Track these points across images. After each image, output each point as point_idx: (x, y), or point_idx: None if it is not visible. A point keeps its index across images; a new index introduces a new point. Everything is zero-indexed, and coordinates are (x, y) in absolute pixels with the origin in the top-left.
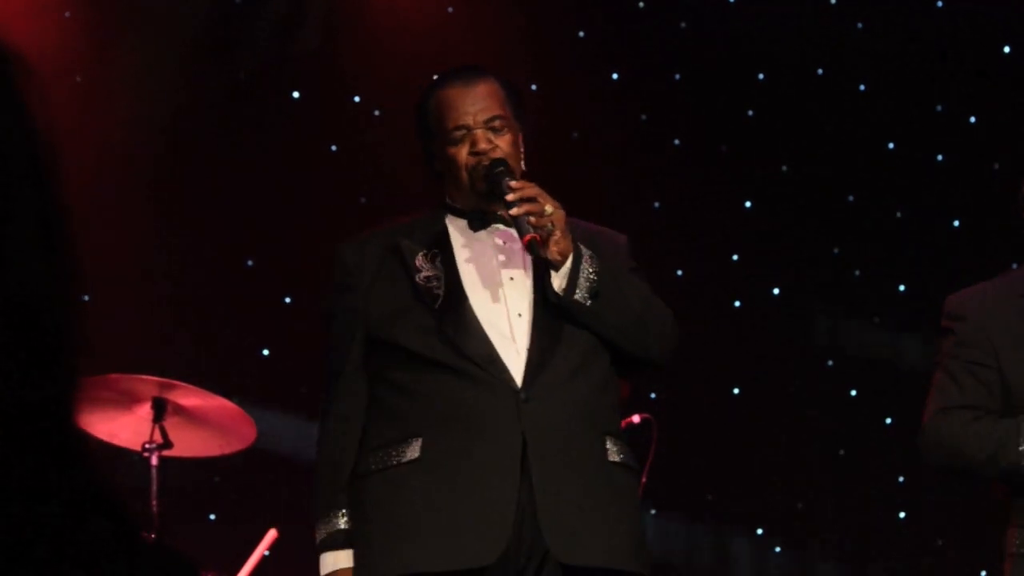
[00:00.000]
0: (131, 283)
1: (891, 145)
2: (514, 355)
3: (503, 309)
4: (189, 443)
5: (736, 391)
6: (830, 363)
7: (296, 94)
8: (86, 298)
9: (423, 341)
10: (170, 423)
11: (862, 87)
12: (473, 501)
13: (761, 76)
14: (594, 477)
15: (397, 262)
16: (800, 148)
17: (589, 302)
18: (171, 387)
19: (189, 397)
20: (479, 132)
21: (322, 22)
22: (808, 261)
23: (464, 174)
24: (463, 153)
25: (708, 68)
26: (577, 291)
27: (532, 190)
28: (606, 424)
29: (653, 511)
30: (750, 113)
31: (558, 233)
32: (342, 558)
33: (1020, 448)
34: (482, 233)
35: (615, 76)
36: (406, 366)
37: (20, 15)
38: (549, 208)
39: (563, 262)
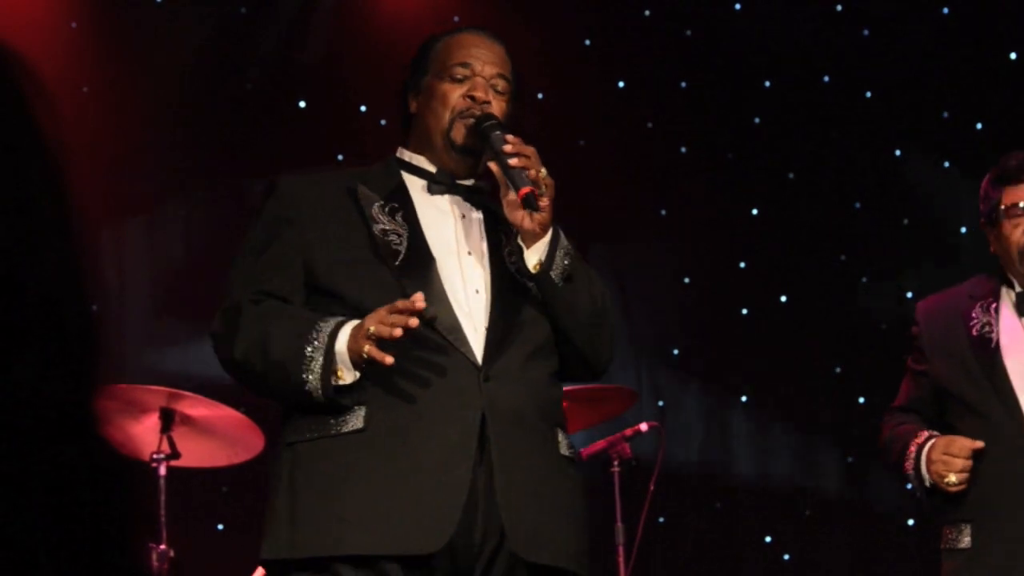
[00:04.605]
0: (138, 293)
1: (898, 152)
2: (472, 331)
3: (460, 282)
4: (197, 453)
5: (744, 398)
6: (838, 370)
7: (302, 104)
8: (94, 308)
9: (379, 298)
10: (178, 433)
11: (868, 94)
12: (421, 480)
13: (767, 83)
14: (548, 468)
15: (352, 207)
16: (807, 155)
17: (561, 283)
18: (179, 397)
19: (197, 407)
20: (480, 80)
21: (328, 32)
22: (815, 268)
23: (447, 115)
24: (456, 93)
25: (714, 75)
26: (553, 269)
27: (529, 148)
28: (557, 416)
29: (661, 519)
30: (756, 120)
31: (546, 200)
32: (344, 333)
33: (906, 465)
34: (439, 199)
35: (621, 84)
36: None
37: (27, 25)
38: (543, 171)
39: (542, 235)
